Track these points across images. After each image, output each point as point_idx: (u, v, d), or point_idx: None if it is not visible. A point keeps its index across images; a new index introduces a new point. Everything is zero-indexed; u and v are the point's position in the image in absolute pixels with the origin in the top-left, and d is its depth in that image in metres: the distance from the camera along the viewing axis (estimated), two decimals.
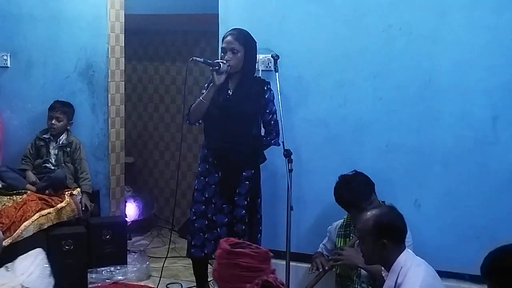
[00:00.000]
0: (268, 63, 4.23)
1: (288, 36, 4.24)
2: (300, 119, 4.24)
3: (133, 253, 4.93)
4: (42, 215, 4.29)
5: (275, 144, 3.99)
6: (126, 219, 5.02)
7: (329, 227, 3.89)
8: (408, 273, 2.73)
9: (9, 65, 5.06)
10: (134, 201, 5.70)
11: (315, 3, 4.16)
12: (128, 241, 4.95)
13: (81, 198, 4.58)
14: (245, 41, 3.87)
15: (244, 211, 3.92)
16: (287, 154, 3.87)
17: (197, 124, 4.07)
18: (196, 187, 4.04)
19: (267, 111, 3.95)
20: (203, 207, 3.99)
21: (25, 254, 3.94)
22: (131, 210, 5.59)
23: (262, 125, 4.01)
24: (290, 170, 3.87)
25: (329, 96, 4.17)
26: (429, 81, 3.93)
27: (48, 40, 4.94)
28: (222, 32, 4.26)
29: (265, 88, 3.95)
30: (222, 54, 3.88)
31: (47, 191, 4.49)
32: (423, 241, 3.64)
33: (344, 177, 3.69)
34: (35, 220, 4.24)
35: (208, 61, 3.85)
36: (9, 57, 5.04)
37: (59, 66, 4.93)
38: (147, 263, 4.72)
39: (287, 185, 3.86)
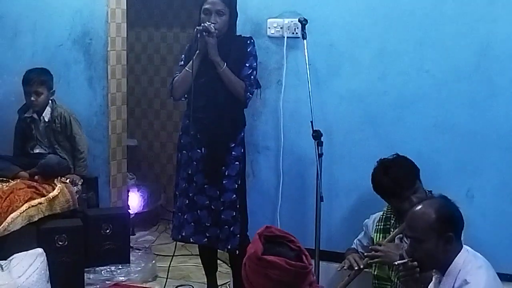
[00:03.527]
0: (295, 29, 4.21)
1: None
2: (331, 94, 4.21)
3: (137, 250, 4.97)
4: (32, 206, 4.32)
5: (246, 97, 3.99)
6: (129, 211, 5.04)
7: (366, 220, 3.88)
8: (467, 277, 2.70)
9: None
10: (138, 191, 5.73)
11: None
12: (131, 236, 4.98)
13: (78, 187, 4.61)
14: (230, 2, 3.99)
15: (235, 196, 4.03)
16: (317, 136, 3.87)
17: (183, 99, 4.17)
18: (180, 161, 4.17)
19: (247, 64, 4.01)
20: (185, 184, 4.12)
21: (23, 253, 4.01)
22: (135, 201, 5.62)
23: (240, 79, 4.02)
24: (320, 155, 3.87)
25: (366, 67, 4.14)
26: (485, 49, 3.88)
27: (38, 2, 4.95)
28: None
29: (248, 42, 4.05)
30: (204, 16, 3.95)
31: (36, 177, 4.53)
32: (476, 238, 3.59)
33: (383, 162, 3.67)
34: (23, 211, 4.27)
35: (204, 25, 3.90)
36: None
37: (50, 33, 4.95)
38: (153, 262, 4.75)
39: (316, 172, 3.86)
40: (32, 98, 4.65)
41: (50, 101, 4.73)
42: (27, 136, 4.80)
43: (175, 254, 4.28)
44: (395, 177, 3.56)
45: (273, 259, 2.41)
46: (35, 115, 4.74)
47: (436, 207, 2.79)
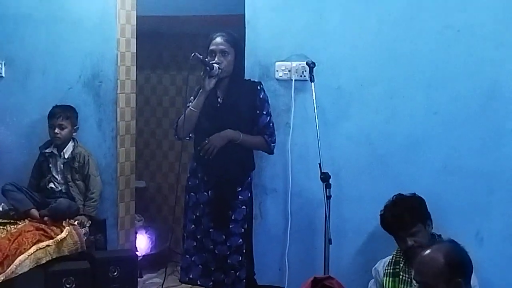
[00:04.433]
0: (303, 72, 4.23)
1: (326, 40, 4.23)
2: (340, 136, 4.21)
3: None
4: (40, 248, 4.30)
5: (271, 149, 4.08)
6: (137, 253, 5.01)
7: (375, 266, 3.83)
8: None
9: (3, 74, 5.13)
10: (146, 232, 5.70)
11: (357, 1, 4.15)
12: (139, 279, 4.94)
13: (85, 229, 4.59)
14: (235, 43, 4.03)
15: (241, 240, 4.02)
16: (325, 178, 3.86)
17: (187, 138, 4.16)
18: (188, 203, 4.17)
19: (264, 112, 4.04)
20: (193, 226, 4.12)
21: None
22: (143, 243, 5.59)
23: (258, 128, 4.05)
24: (329, 197, 3.86)
25: (374, 109, 4.14)
26: (493, 91, 3.88)
27: (49, 46, 5.00)
28: (249, 35, 4.30)
29: (258, 88, 4.06)
30: (209, 58, 3.97)
31: (45, 218, 4.54)
32: (486, 282, 3.57)
33: (397, 197, 3.69)
34: (31, 253, 4.25)
35: (206, 59, 3.93)
36: (3, 65, 5.12)
37: (61, 75, 4.98)
38: None
39: (324, 215, 3.84)
40: (56, 131, 4.70)
41: (72, 139, 4.78)
42: (43, 171, 4.82)
43: None
44: (397, 214, 3.58)
45: None
46: (55, 150, 4.78)
47: (444, 252, 2.76)
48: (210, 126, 4.02)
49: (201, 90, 3.99)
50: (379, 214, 3.70)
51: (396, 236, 3.60)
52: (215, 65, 3.90)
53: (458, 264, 2.75)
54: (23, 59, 5.07)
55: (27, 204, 4.64)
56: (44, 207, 4.64)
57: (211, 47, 3.99)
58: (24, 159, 4.96)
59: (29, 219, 4.58)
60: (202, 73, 3.95)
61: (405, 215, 3.56)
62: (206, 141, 3.96)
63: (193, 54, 3.86)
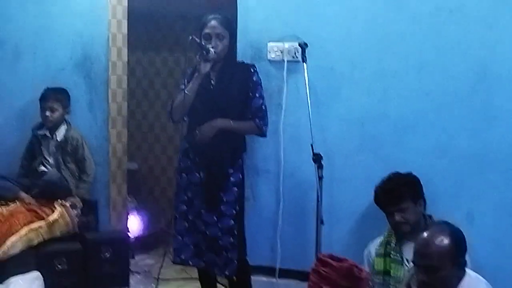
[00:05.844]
0: (295, 53, 4.23)
1: (318, 21, 4.22)
2: (332, 117, 4.22)
3: (137, 274, 4.94)
4: (32, 229, 4.30)
5: (263, 132, 4.06)
6: (129, 234, 5.02)
7: (365, 250, 3.83)
8: None
9: None
10: (138, 214, 5.71)
11: None
12: (130, 260, 4.95)
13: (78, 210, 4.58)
14: (229, 25, 4.00)
15: (233, 222, 4.01)
16: (317, 159, 3.88)
17: (181, 121, 4.14)
18: (179, 184, 4.16)
19: (257, 95, 4.03)
20: (185, 207, 4.11)
21: (20, 276, 3.99)
22: (135, 224, 5.59)
23: (250, 111, 4.03)
24: (320, 178, 3.87)
25: (366, 90, 4.15)
26: (484, 73, 3.89)
27: (39, 26, 4.96)
28: (241, 16, 4.30)
29: (252, 71, 4.04)
30: (204, 41, 3.92)
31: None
32: (476, 261, 3.58)
33: (394, 173, 3.73)
34: (23, 235, 4.25)
35: (203, 43, 3.90)
36: None
37: (51, 57, 4.95)
38: (153, 285, 4.72)
39: (316, 196, 3.85)
40: (47, 114, 4.67)
41: (65, 121, 4.76)
42: (35, 153, 4.79)
43: (176, 277, 4.26)
44: (388, 189, 3.62)
45: (326, 259, 3.02)
46: (47, 133, 4.75)
47: (448, 233, 2.73)
48: (203, 108, 4.00)
49: (196, 74, 3.97)
50: (370, 194, 3.71)
51: (386, 211, 3.63)
52: (211, 49, 3.87)
53: (462, 244, 2.75)
54: (12, 39, 5.02)
55: (14, 190, 4.60)
56: (33, 190, 4.62)
57: (206, 30, 3.96)
58: (16, 141, 4.93)
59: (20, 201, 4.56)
60: (197, 56, 3.92)
61: (395, 190, 3.60)
62: (197, 132, 3.95)
63: (190, 37, 3.84)
